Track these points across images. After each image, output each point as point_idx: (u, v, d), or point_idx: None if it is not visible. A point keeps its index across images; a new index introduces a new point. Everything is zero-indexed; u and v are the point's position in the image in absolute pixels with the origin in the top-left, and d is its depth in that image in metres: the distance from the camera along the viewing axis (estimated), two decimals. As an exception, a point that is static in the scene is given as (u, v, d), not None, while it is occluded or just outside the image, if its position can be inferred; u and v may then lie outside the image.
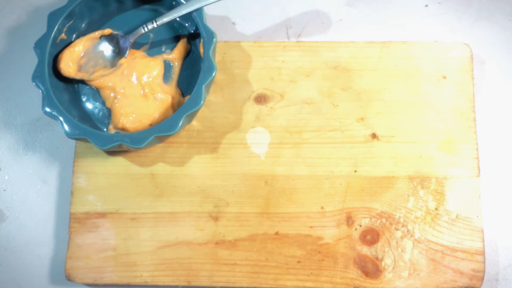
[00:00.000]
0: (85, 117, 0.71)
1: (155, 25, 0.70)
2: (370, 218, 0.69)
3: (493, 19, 0.78)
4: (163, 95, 0.71)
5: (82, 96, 0.73)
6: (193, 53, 0.74)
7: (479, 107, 0.73)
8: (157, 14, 0.74)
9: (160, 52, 0.74)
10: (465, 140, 0.70)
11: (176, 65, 0.73)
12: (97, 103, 0.73)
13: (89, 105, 0.73)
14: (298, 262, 0.68)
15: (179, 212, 0.70)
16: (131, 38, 0.71)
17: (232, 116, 0.73)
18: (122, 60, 0.71)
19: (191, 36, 0.74)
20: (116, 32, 0.72)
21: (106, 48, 0.72)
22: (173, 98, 0.71)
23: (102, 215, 0.70)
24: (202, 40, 0.68)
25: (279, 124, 0.72)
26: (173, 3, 0.71)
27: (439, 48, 0.73)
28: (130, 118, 0.70)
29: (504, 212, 0.71)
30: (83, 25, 0.73)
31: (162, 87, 0.71)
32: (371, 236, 0.68)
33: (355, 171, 0.70)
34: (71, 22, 0.70)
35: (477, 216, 0.68)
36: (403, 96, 0.72)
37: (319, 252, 0.68)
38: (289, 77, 0.74)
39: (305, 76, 0.74)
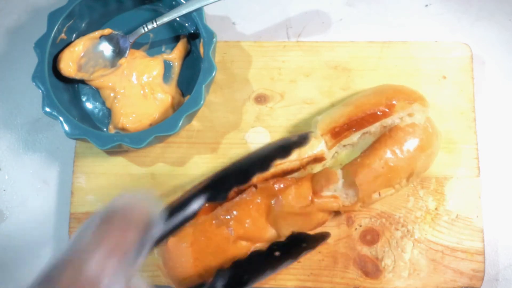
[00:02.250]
0: (85, 117, 0.71)
1: (155, 25, 0.70)
2: (370, 218, 0.68)
3: (493, 19, 0.78)
4: (163, 95, 0.71)
5: (82, 96, 0.73)
6: (193, 53, 0.74)
7: (479, 107, 0.73)
8: (157, 14, 0.74)
9: (160, 52, 0.74)
10: (465, 140, 0.70)
11: (176, 65, 0.73)
12: (97, 103, 0.73)
13: (89, 105, 0.73)
14: (298, 262, 0.68)
15: (179, 212, 0.70)
16: (131, 38, 0.71)
17: (232, 116, 0.73)
18: (122, 60, 0.71)
19: (191, 36, 0.74)
20: (116, 32, 0.72)
21: (106, 48, 0.72)
22: (173, 98, 0.71)
23: (102, 215, 0.70)
24: (202, 40, 0.68)
25: (279, 124, 0.72)
26: (173, 3, 0.71)
27: (439, 48, 0.73)
28: (130, 118, 0.70)
29: (504, 212, 0.71)
30: (83, 25, 0.73)
31: (162, 87, 0.71)
32: (371, 236, 0.68)
33: (355, 171, 0.70)
34: (71, 22, 0.70)
35: (477, 216, 0.68)
36: (403, 96, 0.72)
37: (319, 252, 0.68)
38: (289, 77, 0.74)
39: (305, 76, 0.74)
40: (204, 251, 0.59)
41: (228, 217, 0.60)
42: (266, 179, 0.62)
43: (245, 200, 0.60)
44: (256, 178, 0.62)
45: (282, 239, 0.61)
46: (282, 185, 0.60)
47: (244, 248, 0.60)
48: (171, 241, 0.60)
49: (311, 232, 0.63)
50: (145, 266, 0.68)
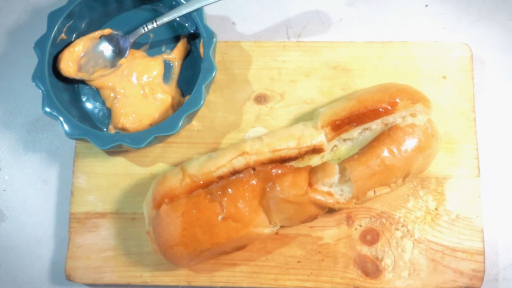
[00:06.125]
0: (85, 117, 0.71)
1: (155, 25, 0.70)
2: (370, 218, 0.68)
3: (493, 19, 0.78)
4: (163, 95, 0.71)
5: (82, 96, 0.73)
6: (193, 53, 0.74)
7: (479, 107, 0.73)
8: (157, 14, 0.74)
9: (160, 52, 0.74)
10: (465, 140, 0.70)
11: (176, 65, 0.73)
12: (97, 103, 0.73)
13: (89, 105, 0.73)
14: (298, 262, 0.68)
15: (179, 212, 0.70)
16: (131, 38, 0.71)
17: (232, 116, 0.73)
18: (122, 60, 0.71)
19: (191, 36, 0.74)
20: (116, 32, 0.72)
21: (106, 48, 0.72)
22: (173, 98, 0.71)
23: (102, 215, 0.70)
24: (202, 40, 0.68)
25: (279, 124, 0.72)
26: (173, 3, 0.71)
27: (439, 48, 0.73)
28: (130, 118, 0.70)
29: (504, 212, 0.71)
30: (83, 25, 0.73)
31: (162, 87, 0.71)
32: (371, 236, 0.68)
33: (355, 171, 0.70)
34: (71, 22, 0.70)
35: (477, 216, 0.68)
36: (403, 96, 0.72)
37: (319, 252, 0.68)
38: (289, 77, 0.74)
39: (305, 76, 0.74)
40: (193, 223, 0.61)
41: (222, 194, 0.61)
42: (264, 164, 0.62)
43: (241, 180, 0.61)
44: (253, 162, 0.63)
45: (272, 226, 0.62)
46: (280, 171, 0.61)
47: (232, 229, 0.60)
48: (164, 208, 0.61)
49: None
50: (145, 266, 0.68)
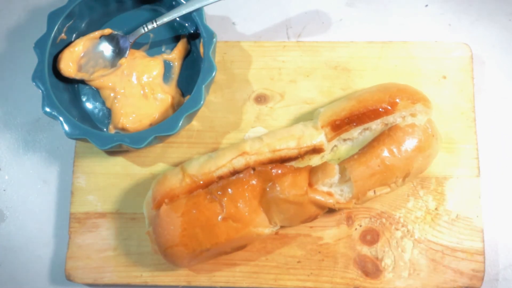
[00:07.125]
0: (85, 117, 0.71)
1: (155, 25, 0.70)
2: (370, 218, 0.68)
3: (493, 19, 0.78)
4: (163, 95, 0.71)
5: (82, 96, 0.73)
6: (193, 53, 0.74)
7: (479, 107, 0.73)
8: (157, 14, 0.74)
9: (160, 52, 0.74)
10: (465, 140, 0.70)
11: (176, 65, 0.73)
12: (97, 103, 0.73)
13: (89, 105, 0.73)
14: (298, 262, 0.68)
15: (179, 212, 0.70)
16: (131, 38, 0.71)
17: (232, 116, 0.73)
18: (122, 60, 0.71)
19: (191, 36, 0.74)
20: (116, 32, 0.72)
21: (106, 48, 0.72)
22: (173, 98, 0.71)
23: (102, 215, 0.70)
24: (202, 40, 0.68)
25: (279, 124, 0.72)
26: (173, 3, 0.71)
27: (439, 48, 0.73)
28: (130, 118, 0.70)
29: (504, 212, 0.71)
30: (83, 25, 0.73)
31: (162, 87, 0.71)
32: (371, 236, 0.68)
33: (355, 171, 0.70)
34: (71, 22, 0.70)
35: (477, 216, 0.68)
36: (403, 96, 0.72)
37: (319, 252, 0.68)
38: (289, 77, 0.74)
39: (305, 76, 0.74)
40: (193, 223, 0.61)
41: (222, 194, 0.61)
42: (264, 164, 0.62)
43: (241, 180, 0.61)
44: (253, 162, 0.63)
45: (272, 226, 0.62)
46: (279, 171, 0.61)
47: (232, 229, 0.60)
48: (164, 208, 0.61)
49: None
50: (145, 266, 0.68)
